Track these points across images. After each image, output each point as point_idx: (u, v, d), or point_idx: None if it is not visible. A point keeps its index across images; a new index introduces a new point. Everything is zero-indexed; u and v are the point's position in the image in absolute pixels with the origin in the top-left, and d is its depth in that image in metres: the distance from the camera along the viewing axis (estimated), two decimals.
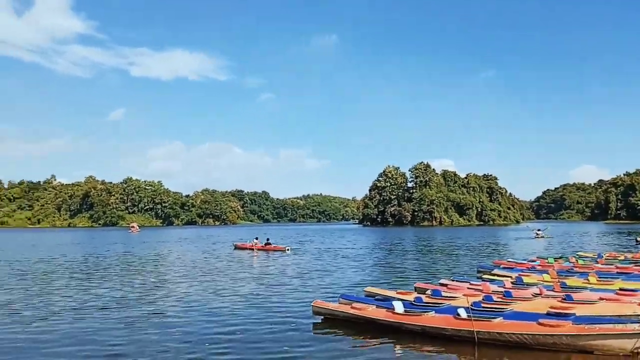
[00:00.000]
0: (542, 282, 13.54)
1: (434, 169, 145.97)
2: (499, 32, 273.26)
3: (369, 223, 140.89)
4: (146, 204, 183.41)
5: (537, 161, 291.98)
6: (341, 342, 9.23)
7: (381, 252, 34.50)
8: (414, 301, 10.70)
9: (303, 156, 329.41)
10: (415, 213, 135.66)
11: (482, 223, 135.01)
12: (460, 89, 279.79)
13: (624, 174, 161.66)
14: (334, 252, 33.49)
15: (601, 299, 10.64)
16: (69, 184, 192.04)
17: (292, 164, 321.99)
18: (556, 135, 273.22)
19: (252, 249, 36.83)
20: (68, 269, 23.38)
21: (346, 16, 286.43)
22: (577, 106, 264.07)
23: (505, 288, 12.32)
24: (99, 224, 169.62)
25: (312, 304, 11.24)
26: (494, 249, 35.94)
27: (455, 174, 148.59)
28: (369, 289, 13.39)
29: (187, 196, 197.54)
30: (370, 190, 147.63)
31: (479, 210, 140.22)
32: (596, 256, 22.56)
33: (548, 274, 14.97)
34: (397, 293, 12.06)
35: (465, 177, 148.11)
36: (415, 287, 13.56)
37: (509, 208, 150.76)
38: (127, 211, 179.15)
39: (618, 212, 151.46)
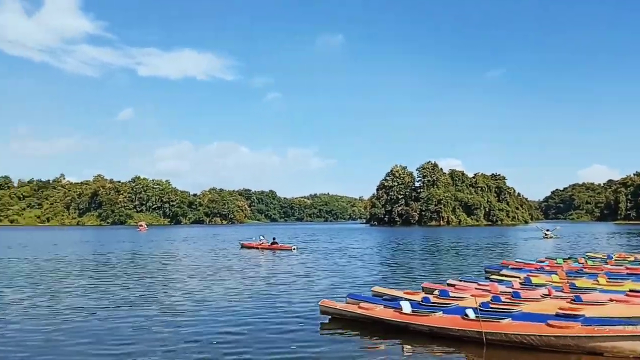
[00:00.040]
0: (550, 283, 13.40)
1: (441, 169, 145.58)
2: (508, 30, 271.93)
3: (376, 223, 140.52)
4: (154, 202, 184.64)
5: (545, 161, 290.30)
6: (349, 342, 9.24)
7: (388, 251, 34.46)
8: (421, 301, 10.67)
9: (310, 155, 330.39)
10: (423, 213, 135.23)
11: (490, 223, 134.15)
12: (468, 87, 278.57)
13: (634, 174, 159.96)
14: (341, 252, 33.49)
15: (611, 300, 10.54)
16: (78, 183, 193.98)
17: (300, 163, 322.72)
18: (566, 134, 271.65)
19: (259, 248, 37.06)
20: (78, 268, 23.63)
21: (352, 16, 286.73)
22: (588, 105, 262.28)
23: (513, 289, 12.24)
24: (108, 222, 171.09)
25: (319, 303, 11.24)
26: (502, 249, 35.73)
27: (463, 174, 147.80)
28: (377, 288, 13.35)
29: (195, 195, 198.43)
30: (377, 190, 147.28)
31: (487, 210, 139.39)
32: (606, 257, 22.28)
33: (557, 274, 14.82)
34: (404, 293, 12.03)
35: (473, 177, 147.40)
36: (422, 287, 13.52)
37: (517, 208, 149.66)
38: (135, 210, 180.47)
39: (628, 212, 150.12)
